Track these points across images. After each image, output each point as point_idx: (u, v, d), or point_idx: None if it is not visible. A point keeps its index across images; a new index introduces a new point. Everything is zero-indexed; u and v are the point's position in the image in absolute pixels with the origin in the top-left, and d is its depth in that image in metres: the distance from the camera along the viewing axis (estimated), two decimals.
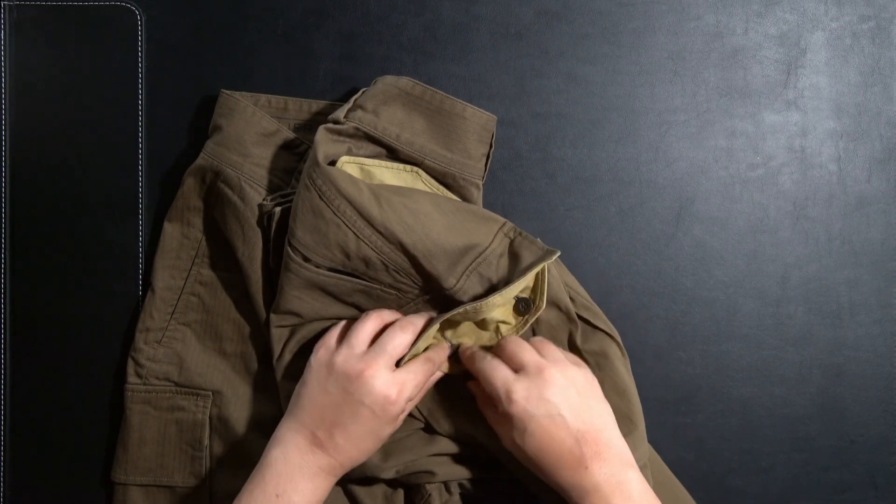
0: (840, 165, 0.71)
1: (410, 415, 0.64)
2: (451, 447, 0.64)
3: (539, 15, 0.71)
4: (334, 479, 0.61)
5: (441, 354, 0.62)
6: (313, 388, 0.60)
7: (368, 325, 0.61)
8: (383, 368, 0.59)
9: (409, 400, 0.60)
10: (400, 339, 0.60)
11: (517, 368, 0.59)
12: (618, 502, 0.55)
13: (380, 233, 0.61)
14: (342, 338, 0.62)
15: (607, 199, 0.71)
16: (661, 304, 0.70)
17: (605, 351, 0.64)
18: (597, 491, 0.56)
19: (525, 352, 0.59)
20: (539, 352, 0.60)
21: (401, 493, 0.66)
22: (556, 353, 0.60)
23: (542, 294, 0.61)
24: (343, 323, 0.63)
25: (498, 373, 0.59)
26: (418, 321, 0.62)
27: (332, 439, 0.59)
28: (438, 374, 0.63)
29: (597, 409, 0.58)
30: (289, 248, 0.62)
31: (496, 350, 0.61)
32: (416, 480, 0.64)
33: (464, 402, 0.64)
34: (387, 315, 0.63)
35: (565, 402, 0.57)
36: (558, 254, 0.62)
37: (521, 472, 0.63)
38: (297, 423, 0.60)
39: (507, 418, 0.58)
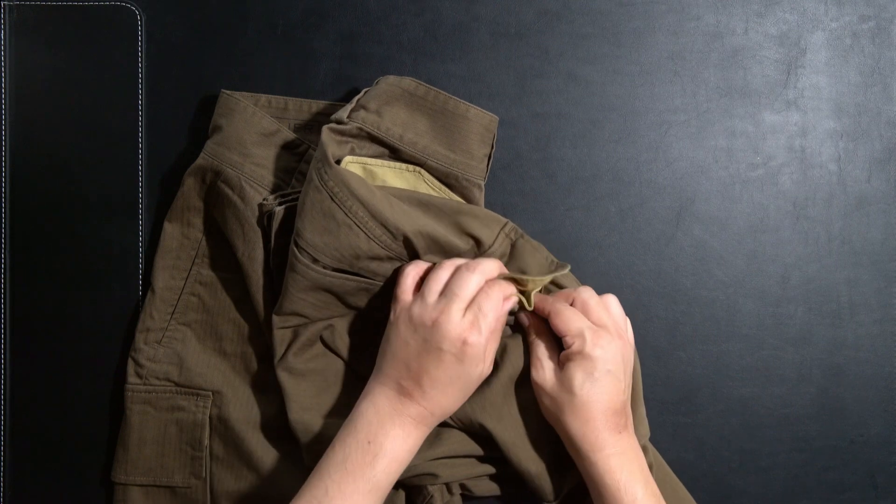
0: (840, 165, 0.71)
1: None
2: (454, 450, 0.64)
3: (539, 15, 0.71)
4: (426, 430, 0.61)
5: (508, 290, 0.62)
6: (395, 343, 0.61)
7: (441, 274, 0.62)
8: (455, 312, 0.59)
9: (488, 339, 0.60)
10: (467, 280, 0.60)
11: (597, 321, 0.62)
12: (634, 469, 0.60)
13: (391, 233, 0.61)
14: (417, 289, 0.62)
15: (607, 199, 0.71)
16: (661, 304, 0.70)
17: None
18: (624, 454, 0.60)
19: (613, 309, 0.63)
20: (609, 308, 0.64)
21: (402, 493, 0.66)
22: (624, 320, 0.64)
23: (529, 299, 0.62)
24: (413, 273, 0.63)
25: (579, 317, 0.62)
26: (488, 264, 0.62)
27: (420, 387, 0.59)
28: (508, 312, 0.63)
29: (632, 388, 0.64)
30: (295, 249, 0.62)
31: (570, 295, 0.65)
32: (419, 482, 0.65)
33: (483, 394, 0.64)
34: (459, 261, 0.63)
35: (626, 371, 0.62)
36: (568, 268, 0.64)
37: (528, 461, 0.63)
38: (384, 376, 0.61)
39: (578, 359, 0.60)
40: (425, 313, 0.60)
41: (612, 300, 0.64)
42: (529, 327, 0.65)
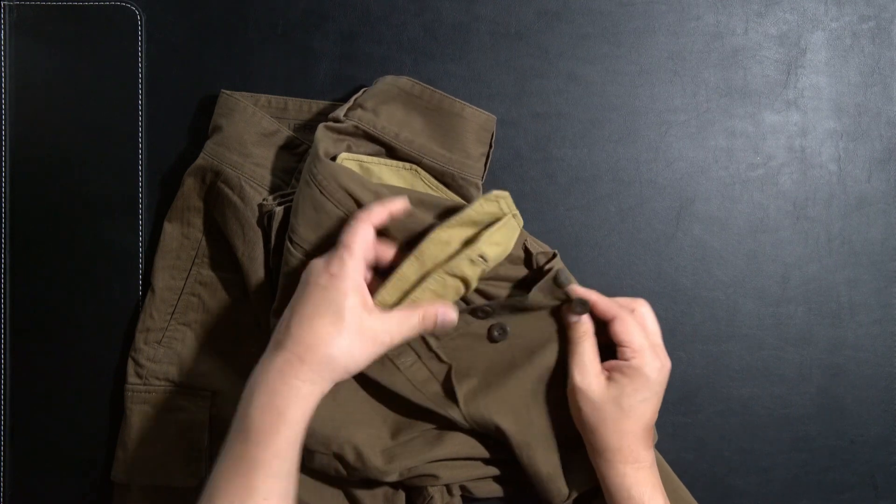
0: (840, 165, 0.71)
1: (418, 413, 0.64)
2: (455, 451, 0.64)
3: (539, 15, 0.71)
4: (302, 382, 0.56)
5: (375, 216, 0.60)
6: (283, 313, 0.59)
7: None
8: (322, 258, 0.58)
9: (354, 266, 0.57)
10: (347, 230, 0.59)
11: (654, 343, 0.63)
12: (657, 483, 0.62)
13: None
14: None
15: (607, 199, 0.71)
16: (661, 304, 0.70)
17: None
18: (651, 468, 0.61)
19: (656, 327, 0.64)
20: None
21: (402, 494, 0.66)
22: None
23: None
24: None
25: (640, 333, 0.62)
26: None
27: (288, 331, 0.56)
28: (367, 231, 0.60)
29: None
30: (289, 244, 0.62)
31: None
32: (419, 483, 0.64)
33: (502, 392, 0.64)
34: None
35: (662, 392, 0.62)
36: (520, 224, 0.63)
37: (535, 461, 0.63)
38: (267, 347, 0.58)
39: (636, 375, 0.61)
40: (307, 267, 0.59)
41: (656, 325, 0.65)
42: (576, 325, 0.63)
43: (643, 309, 0.63)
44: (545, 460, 0.63)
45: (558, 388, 0.64)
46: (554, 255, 0.65)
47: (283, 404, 0.55)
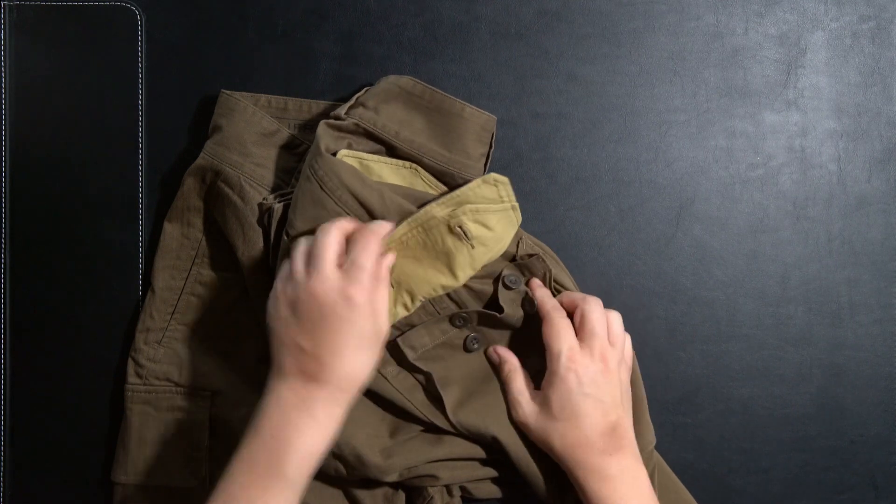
0: (840, 165, 0.71)
1: (413, 417, 0.64)
2: (455, 452, 0.64)
3: (539, 15, 0.71)
4: (340, 411, 0.57)
5: (381, 229, 0.60)
6: (280, 331, 0.58)
7: (300, 247, 0.59)
8: (326, 271, 0.56)
9: (373, 288, 0.57)
10: (323, 238, 0.58)
11: (584, 339, 0.61)
12: (629, 493, 0.59)
13: None
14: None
15: (607, 199, 0.71)
16: (661, 304, 0.70)
17: None
18: (612, 480, 0.59)
19: (599, 332, 0.62)
20: (609, 327, 0.62)
21: (402, 494, 0.66)
22: (621, 348, 0.63)
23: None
24: (285, 266, 0.60)
25: (567, 336, 0.61)
26: (344, 221, 0.60)
27: (321, 363, 0.56)
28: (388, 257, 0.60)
29: (628, 408, 0.63)
30: (286, 239, 0.62)
31: (568, 299, 0.64)
32: (419, 483, 0.64)
33: (480, 399, 0.64)
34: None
35: (610, 394, 0.61)
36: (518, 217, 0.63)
37: (530, 466, 0.63)
38: (282, 369, 0.57)
39: (556, 381, 0.60)
40: (297, 288, 0.57)
41: (613, 317, 0.63)
42: (502, 363, 0.64)
43: (585, 306, 0.63)
44: (541, 463, 0.63)
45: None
46: (532, 256, 0.65)
47: (327, 431, 0.56)
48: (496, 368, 0.65)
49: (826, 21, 0.71)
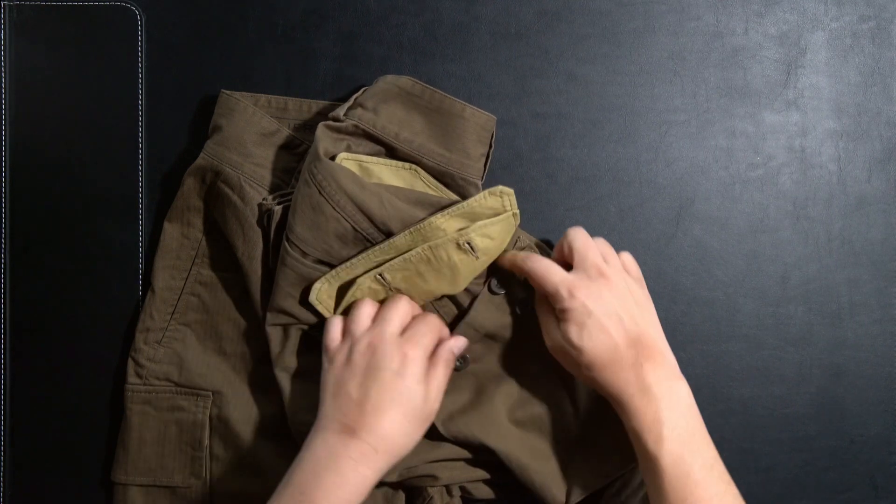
0: (840, 165, 0.71)
1: None
2: (455, 452, 0.64)
3: (539, 15, 0.71)
4: (370, 474, 0.56)
5: (439, 324, 0.63)
6: (332, 384, 0.59)
7: (365, 308, 0.62)
8: (390, 331, 0.59)
9: (427, 358, 0.59)
10: (396, 304, 0.61)
11: (577, 265, 0.60)
12: (666, 407, 0.57)
13: (378, 229, 0.61)
14: (345, 332, 0.62)
15: (607, 199, 0.71)
16: (661, 304, 0.70)
17: None
18: (647, 392, 0.57)
19: (590, 252, 0.61)
20: (603, 255, 0.61)
21: (401, 494, 0.66)
22: (618, 262, 0.62)
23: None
24: (338, 321, 0.63)
25: (555, 271, 0.60)
26: (412, 304, 0.63)
27: (362, 416, 0.56)
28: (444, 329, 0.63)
29: (651, 320, 0.61)
30: (286, 244, 0.62)
31: (560, 243, 0.63)
32: (419, 483, 0.65)
33: (474, 408, 0.64)
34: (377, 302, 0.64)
35: (623, 305, 0.59)
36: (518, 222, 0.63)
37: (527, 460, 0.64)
38: (326, 418, 0.58)
39: (566, 315, 0.59)
40: (360, 344, 0.59)
41: (599, 240, 0.63)
42: (535, 294, 0.64)
43: (569, 236, 0.62)
44: (536, 470, 0.63)
45: (536, 406, 0.65)
46: (523, 249, 0.65)
47: (351, 492, 0.56)
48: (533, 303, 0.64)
49: (826, 21, 0.72)
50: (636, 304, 0.60)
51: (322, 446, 0.57)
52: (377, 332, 0.60)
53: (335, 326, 0.62)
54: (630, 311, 0.59)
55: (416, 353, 0.59)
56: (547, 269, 0.60)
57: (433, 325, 0.61)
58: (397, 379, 0.58)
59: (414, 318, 0.62)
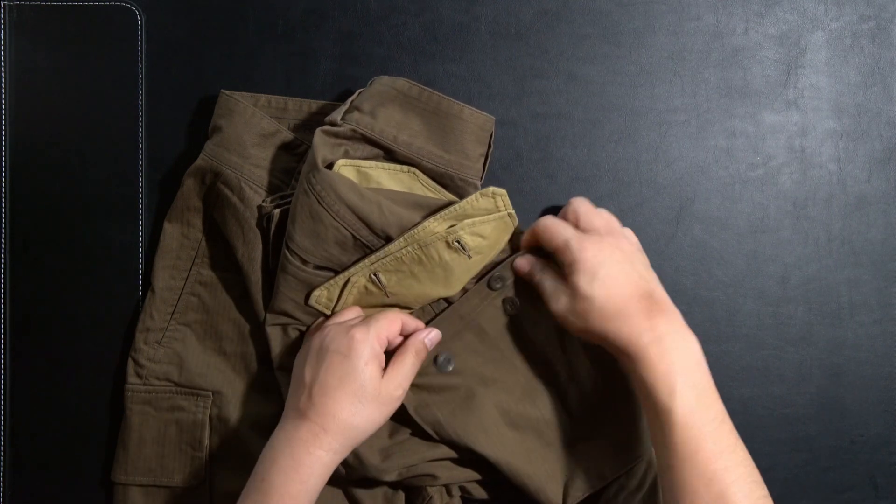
0: (840, 165, 0.71)
1: (409, 419, 0.64)
2: (454, 452, 0.64)
3: (539, 15, 0.71)
4: (325, 453, 0.57)
5: (411, 322, 0.63)
6: (296, 373, 0.61)
7: (346, 312, 0.64)
8: (345, 317, 0.61)
9: (376, 341, 0.59)
10: (375, 317, 0.61)
11: (584, 227, 0.61)
12: (679, 359, 0.56)
13: (378, 236, 0.61)
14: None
15: (607, 199, 0.71)
16: None
17: None
18: (659, 342, 0.56)
19: (596, 217, 0.62)
20: (607, 222, 0.63)
21: (401, 494, 0.66)
22: (618, 228, 0.63)
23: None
24: (321, 320, 0.64)
25: (565, 226, 0.61)
26: (405, 319, 0.63)
27: (311, 398, 0.58)
28: (397, 320, 0.62)
29: (658, 283, 0.60)
30: (286, 251, 0.62)
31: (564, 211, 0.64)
32: (418, 483, 0.64)
33: (471, 416, 0.64)
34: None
35: (631, 261, 0.60)
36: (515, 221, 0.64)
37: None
38: (285, 408, 0.60)
39: (577, 266, 0.59)
40: (321, 332, 0.61)
41: (603, 211, 0.64)
42: (531, 271, 0.63)
43: (574, 204, 0.63)
44: (529, 474, 0.63)
45: (530, 409, 0.65)
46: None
47: (306, 474, 0.56)
48: (531, 283, 0.64)
49: (826, 21, 0.71)
50: (644, 265, 0.61)
51: (280, 433, 0.58)
52: (333, 323, 0.61)
53: (314, 326, 0.64)
54: (639, 268, 0.60)
55: (364, 335, 0.59)
56: (556, 224, 0.62)
57: (391, 316, 0.61)
58: (344, 360, 0.58)
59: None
